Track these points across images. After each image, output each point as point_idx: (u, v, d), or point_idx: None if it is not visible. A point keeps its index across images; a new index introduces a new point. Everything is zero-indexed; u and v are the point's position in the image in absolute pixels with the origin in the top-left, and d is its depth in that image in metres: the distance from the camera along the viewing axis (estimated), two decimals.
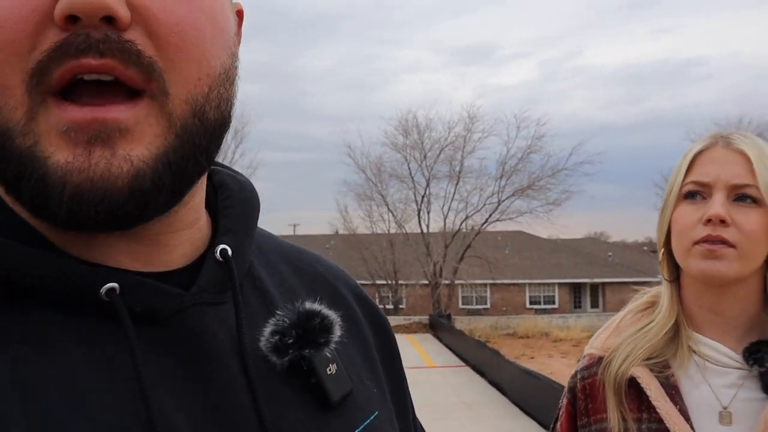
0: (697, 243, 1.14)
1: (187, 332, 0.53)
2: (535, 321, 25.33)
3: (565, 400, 1.31)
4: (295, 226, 45.72)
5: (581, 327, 23.53)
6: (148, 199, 0.48)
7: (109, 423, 0.46)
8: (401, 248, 29.49)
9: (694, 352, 1.19)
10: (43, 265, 0.49)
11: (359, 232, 32.21)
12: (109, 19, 0.45)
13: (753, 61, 76.05)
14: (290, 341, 0.58)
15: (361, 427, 0.61)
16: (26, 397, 0.45)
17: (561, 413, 1.31)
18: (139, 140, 0.47)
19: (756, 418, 1.11)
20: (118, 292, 0.50)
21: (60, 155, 0.45)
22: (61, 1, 0.44)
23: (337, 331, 0.62)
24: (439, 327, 21.62)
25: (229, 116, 0.55)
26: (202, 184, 0.60)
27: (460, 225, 28.83)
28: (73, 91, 0.46)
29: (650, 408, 1.16)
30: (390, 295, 30.86)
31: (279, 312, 0.61)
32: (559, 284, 34.23)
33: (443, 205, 29.45)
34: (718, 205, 1.13)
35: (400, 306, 30.71)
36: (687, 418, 1.13)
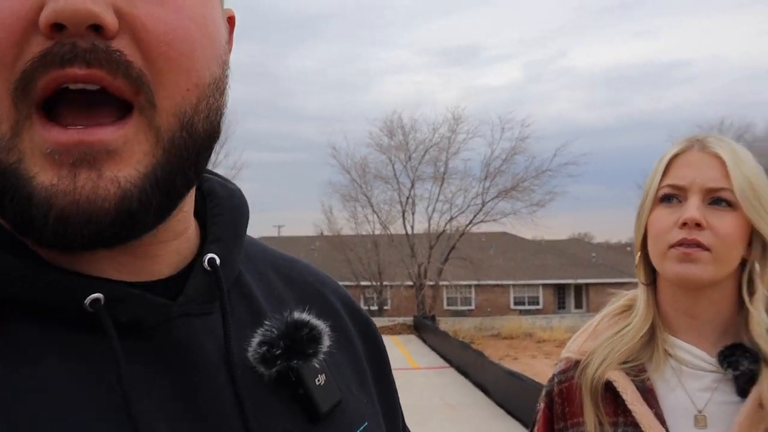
0: (672, 246, 1.15)
1: (173, 343, 0.53)
2: (519, 322, 25.43)
3: (542, 405, 1.31)
4: (279, 227, 45.55)
5: (565, 328, 23.62)
6: (136, 219, 0.47)
7: None
8: (386, 249, 29.45)
9: (670, 355, 1.19)
10: (26, 275, 0.48)
11: (344, 233, 32.11)
12: (96, 27, 0.44)
13: (734, 64, 77.21)
14: (278, 352, 0.57)
15: None
16: (7, 409, 0.44)
17: (538, 417, 1.31)
18: (128, 160, 0.46)
19: (731, 421, 1.11)
20: (102, 302, 0.49)
21: (44, 176, 0.44)
22: (46, 9, 0.43)
23: (326, 342, 0.61)
24: (424, 328, 21.67)
25: (219, 126, 0.54)
26: (191, 193, 0.59)
27: (445, 226, 28.85)
28: (59, 102, 0.45)
29: (626, 412, 1.16)
30: (374, 296, 30.84)
31: (267, 322, 0.60)
32: (544, 285, 34.37)
33: (428, 207, 29.49)
34: (693, 208, 1.13)
35: (385, 307, 30.70)
36: (662, 422, 1.14)
